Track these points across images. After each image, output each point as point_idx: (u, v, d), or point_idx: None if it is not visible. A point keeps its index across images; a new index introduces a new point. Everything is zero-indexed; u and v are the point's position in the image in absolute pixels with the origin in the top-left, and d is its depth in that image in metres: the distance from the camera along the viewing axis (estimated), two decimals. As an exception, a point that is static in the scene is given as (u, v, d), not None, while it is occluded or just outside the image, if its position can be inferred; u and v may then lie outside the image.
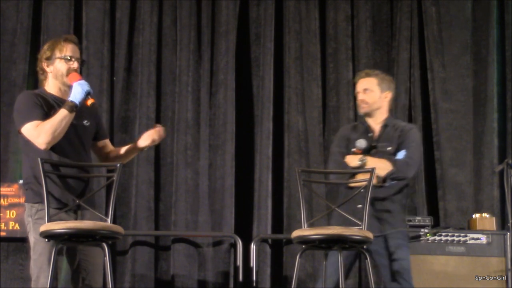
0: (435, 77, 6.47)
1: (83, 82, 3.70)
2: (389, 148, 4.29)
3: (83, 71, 6.06)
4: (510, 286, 5.29)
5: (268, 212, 6.17)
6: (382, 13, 6.60)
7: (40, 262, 3.61)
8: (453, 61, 6.51)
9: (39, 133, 3.63)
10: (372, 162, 4.15)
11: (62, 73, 3.76)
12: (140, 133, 5.95)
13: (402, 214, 4.39)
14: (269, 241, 6.17)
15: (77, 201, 3.62)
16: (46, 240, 3.52)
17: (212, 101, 6.33)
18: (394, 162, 4.22)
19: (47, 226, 3.50)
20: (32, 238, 3.67)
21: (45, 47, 3.84)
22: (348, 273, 4.50)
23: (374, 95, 4.35)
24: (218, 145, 6.27)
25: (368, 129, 4.39)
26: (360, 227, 3.80)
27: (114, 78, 6.23)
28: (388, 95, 4.42)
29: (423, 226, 5.49)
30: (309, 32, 6.47)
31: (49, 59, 3.78)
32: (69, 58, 3.77)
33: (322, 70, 6.48)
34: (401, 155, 4.27)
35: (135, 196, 6.08)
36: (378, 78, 4.39)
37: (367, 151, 4.28)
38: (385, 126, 4.38)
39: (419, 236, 5.43)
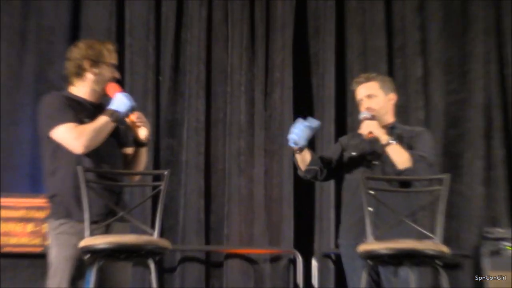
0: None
1: (127, 95, 3.68)
2: None
3: (127, 70, 6.09)
4: None
5: (330, 224, 6.07)
6: (454, 2, 6.48)
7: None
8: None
9: (78, 135, 3.51)
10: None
11: (106, 80, 3.71)
12: (189, 138, 6.18)
13: None
14: (332, 256, 6.07)
15: (121, 212, 3.48)
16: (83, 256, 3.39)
17: (268, 102, 6.33)
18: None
19: (87, 241, 3.37)
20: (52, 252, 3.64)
21: (87, 45, 3.72)
22: None
23: (379, 100, 4.16)
24: (275, 150, 6.25)
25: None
26: (434, 240, 3.50)
27: (160, 78, 6.22)
28: (393, 97, 4.23)
29: (503, 239, 5.43)
30: (373, 25, 6.43)
31: (96, 61, 3.69)
32: (115, 66, 3.76)
33: (388, 67, 6.38)
34: None
35: (183, 207, 6.06)
36: (379, 80, 4.21)
37: None
38: (391, 128, 4.17)
39: (499, 251, 5.38)
